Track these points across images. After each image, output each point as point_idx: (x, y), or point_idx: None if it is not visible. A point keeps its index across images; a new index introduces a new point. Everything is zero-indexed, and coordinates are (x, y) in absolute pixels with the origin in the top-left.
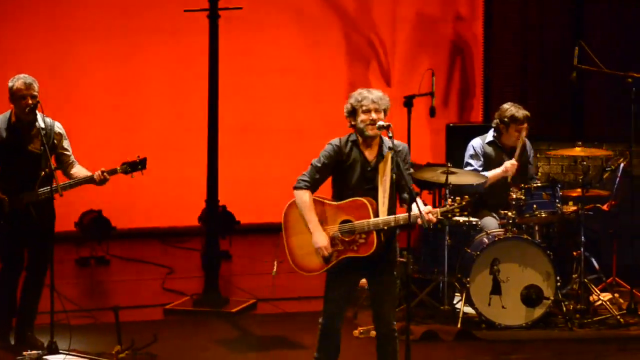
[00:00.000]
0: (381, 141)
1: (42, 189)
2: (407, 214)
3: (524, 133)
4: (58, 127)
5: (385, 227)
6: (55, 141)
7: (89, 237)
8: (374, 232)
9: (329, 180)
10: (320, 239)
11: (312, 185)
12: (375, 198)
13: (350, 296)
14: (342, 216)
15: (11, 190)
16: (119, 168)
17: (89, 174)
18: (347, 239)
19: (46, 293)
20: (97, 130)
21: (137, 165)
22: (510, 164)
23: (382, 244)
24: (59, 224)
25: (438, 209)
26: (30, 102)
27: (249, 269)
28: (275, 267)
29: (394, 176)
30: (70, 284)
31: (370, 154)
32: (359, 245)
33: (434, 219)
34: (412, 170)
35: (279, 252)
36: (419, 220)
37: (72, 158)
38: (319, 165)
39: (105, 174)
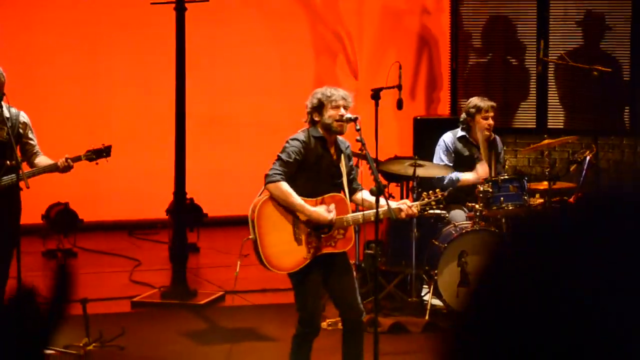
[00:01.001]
0: (337, 138)
1: (6, 177)
2: (386, 208)
3: (491, 122)
4: (23, 116)
5: (363, 222)
6: (21, 130)
7: (56, 229)
8: (352, 227)
9: None
10: (321, 213)
11: (287, 179)
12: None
13: (320, 296)
14: None
15: None
16: (83, 155)
17: (53, 162)
18: (324, 235)
19: (13, 285)
20: (63, 121)
21: (101, 153)
22: (481, 170)
23: None
24: (26, 216)
25: (418, 202)
26: None
27: (217, 261)
28: (237, 268)
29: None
30: (37, 276)
31: (332, 150)
32: (336, 241)
33: (417, 212)
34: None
35: (244, 248)
36: (402, 214)
37: (37, 148)
38: (290, 160)
39: (69, 160)
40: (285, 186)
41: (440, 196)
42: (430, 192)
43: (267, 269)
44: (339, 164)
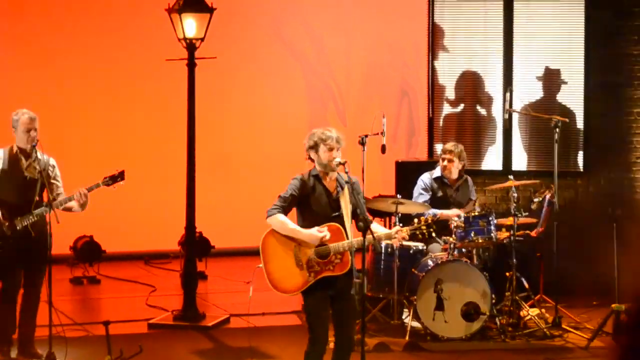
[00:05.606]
0: (337, 174)
1: (36, 210)
2: (374, 235)
3: (446, 164)
4: (52, 161)
5: (356, 248)
6: (50, 172)
7: (82, 259)
8: (348, 252)
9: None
10: (312, 234)
11: (283, 211)
12: (341, 225)
13: (327, 317)
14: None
15: (10, 214)
16: (101, 182)
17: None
18: (323, 260)
19: (45, 309)
20: (86, 164)
21: (116, 178)
22: (456, 211)
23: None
24: (56, 247)
25: (407, 228)
26: (33, 135)
27: (223, 287)
28: (250, 292)
29: (351, 205)
30: (65, 301)
31: (330, 186)
32: (335, 265)
33: (407, 237)
34: (364, 199)
35: (255, 275)
36: (394, 241)
37: (62, 189)
38: (287, 196)
39: (82, 190)
40: (280, 217)
41: (430, 220)
42: (422, 218)
43: (275, 292)
44: (337, 199)
